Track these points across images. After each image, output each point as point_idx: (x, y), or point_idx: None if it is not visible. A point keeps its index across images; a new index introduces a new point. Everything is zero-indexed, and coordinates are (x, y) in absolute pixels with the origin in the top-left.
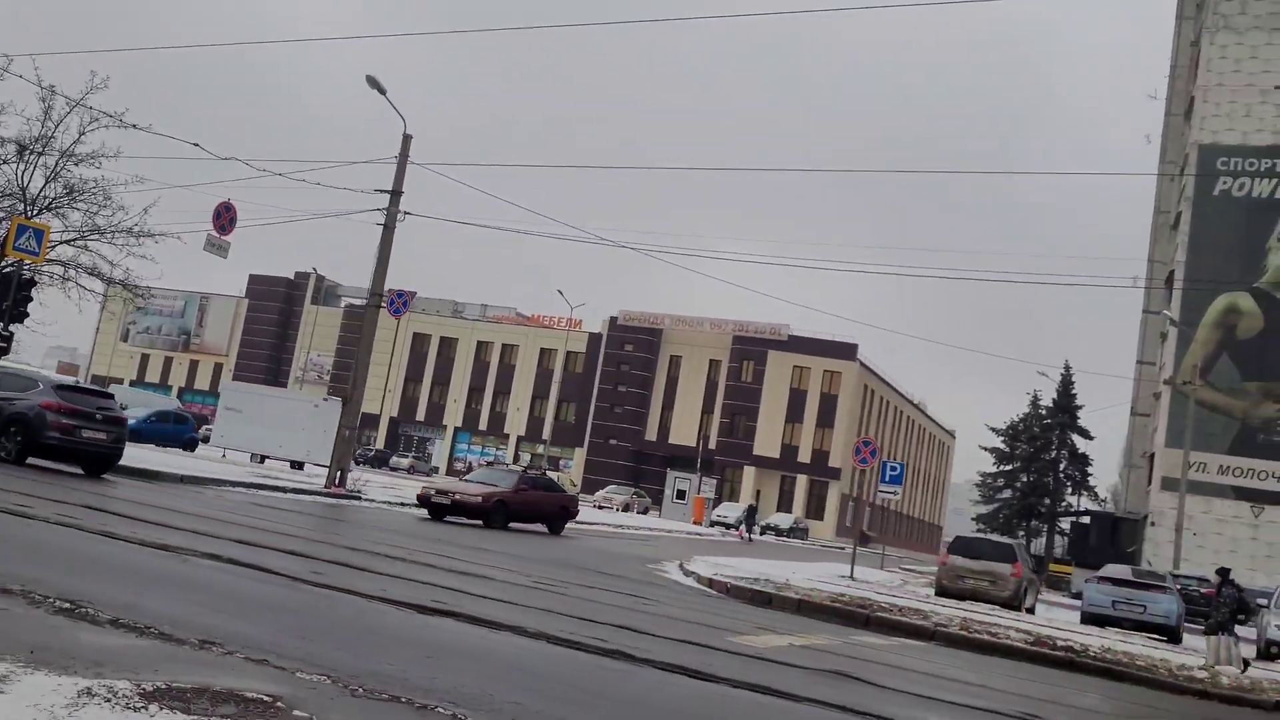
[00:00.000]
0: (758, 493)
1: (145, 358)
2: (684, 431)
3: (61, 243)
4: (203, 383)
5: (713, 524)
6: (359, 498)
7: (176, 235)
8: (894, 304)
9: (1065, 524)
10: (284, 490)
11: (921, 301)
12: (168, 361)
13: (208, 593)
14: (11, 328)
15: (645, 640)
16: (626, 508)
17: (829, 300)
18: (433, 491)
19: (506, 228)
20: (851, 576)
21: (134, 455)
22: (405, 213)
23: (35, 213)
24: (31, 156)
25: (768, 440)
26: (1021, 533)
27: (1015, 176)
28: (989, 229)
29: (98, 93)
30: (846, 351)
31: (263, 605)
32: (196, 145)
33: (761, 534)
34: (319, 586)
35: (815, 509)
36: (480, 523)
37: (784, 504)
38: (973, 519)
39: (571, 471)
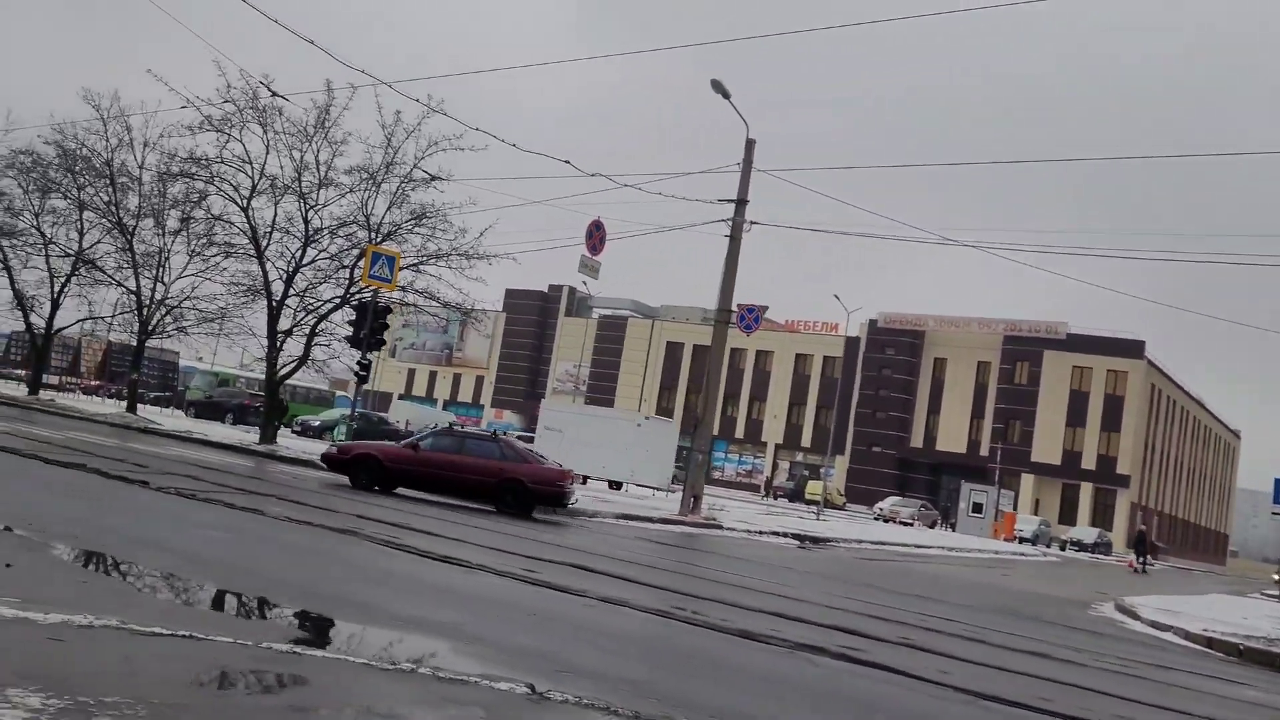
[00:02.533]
0: (1036, 502)
1: (411, 372)
2: (952, 437)
3: (403, 268)
4: (465, 395)
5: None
6: (719, 526)
7: (512, 256)
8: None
9: None
10: (646, 520)
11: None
12: (432, 376)
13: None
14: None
15: None
16: (913, 521)
17: (1106, 297)
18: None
19: (851, 232)
20: None
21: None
22: (752, 222)
23: (379, 239)
24: (372, 185)
25: (1047, 446)
26: None
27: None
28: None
29: (433, 117)
30: (1132, 349)
31: None
32: (567, 162)
33: (1062, 549)
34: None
35: (1102, 519)
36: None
37: (1066, 514)
38: None
39: (834, 479)
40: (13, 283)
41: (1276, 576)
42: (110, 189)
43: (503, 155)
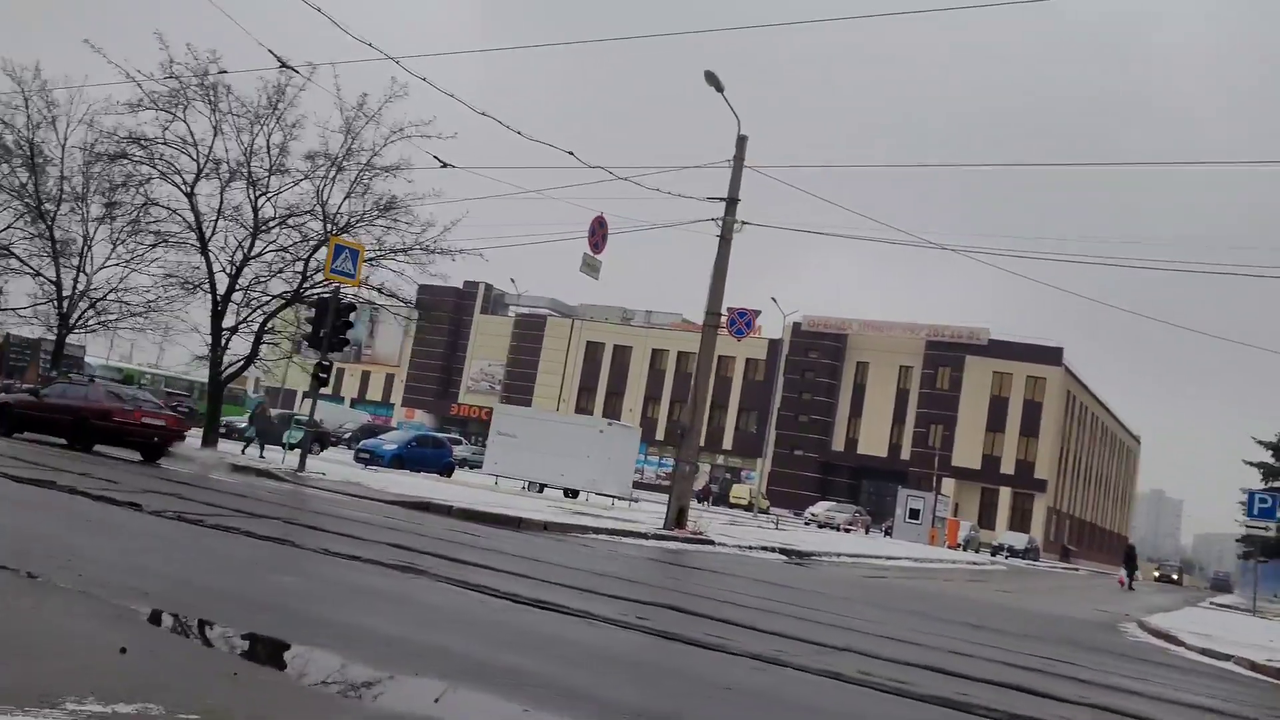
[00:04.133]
0: (956, 505)
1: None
2: (874, 441)
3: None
4: (374, 393)
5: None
6: (710, 541)
7: (479, 253)
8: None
9: None
10: (638, 536)
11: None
12: (340, 373)
13: None
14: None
15: None
16: (852, 528)
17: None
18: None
19: (838, 233)
20: None
21: (427, 488)
22: (743, 222)
23: (335, 231)
24: (330, 170)
25: (967, 451)
26: None
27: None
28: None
29: (396, 101)
30: (1051, 356)
31: None
32: (571, 154)
33: (994, 555)
34: None
35: (1020, 523)
36: None
37: (986, 518)
38: (1238, 540)
39: (755, 483)
40: None
41: (1156, 574)
42: (30, 169)
43: (473, 143)
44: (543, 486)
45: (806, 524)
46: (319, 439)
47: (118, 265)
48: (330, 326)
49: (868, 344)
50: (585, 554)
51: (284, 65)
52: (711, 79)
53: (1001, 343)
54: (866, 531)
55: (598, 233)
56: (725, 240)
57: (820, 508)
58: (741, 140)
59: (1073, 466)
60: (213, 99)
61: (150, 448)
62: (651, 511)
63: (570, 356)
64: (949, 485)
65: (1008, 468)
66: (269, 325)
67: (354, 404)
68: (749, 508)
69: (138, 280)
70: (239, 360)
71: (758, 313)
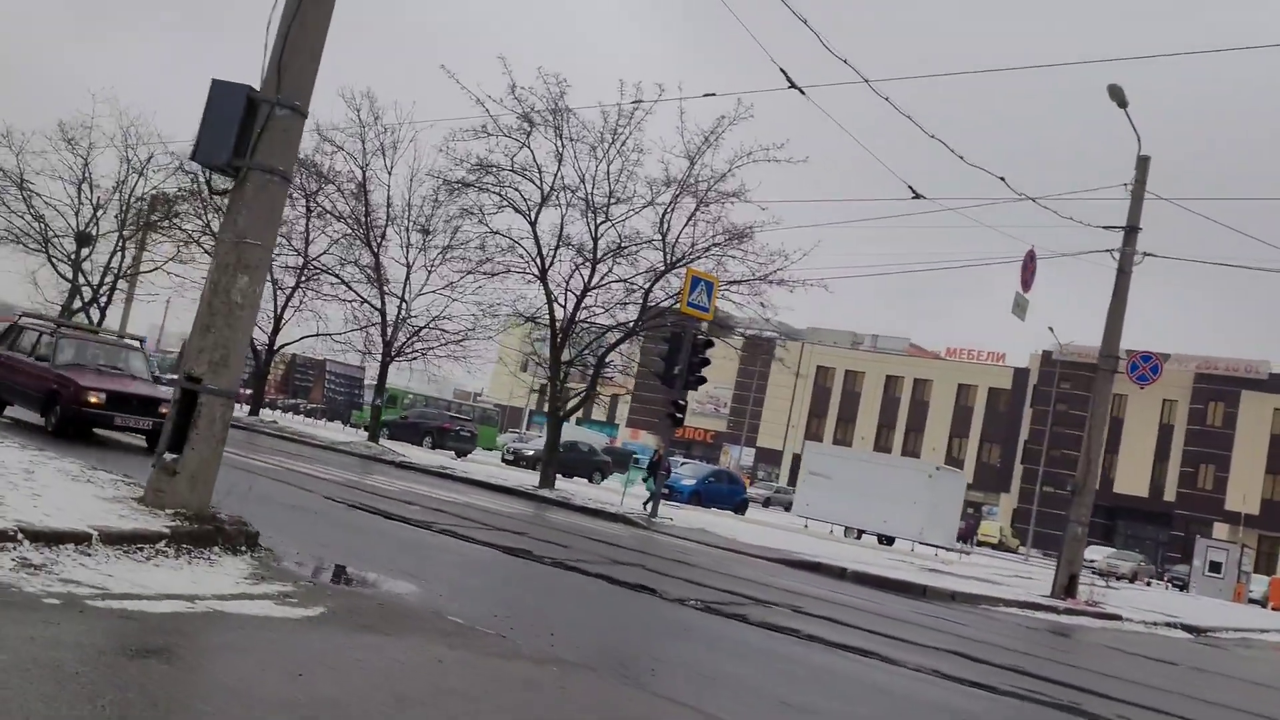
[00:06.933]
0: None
1: (543, 388)
2: (1132, 480)
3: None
4: (599, 413)
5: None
6: (1118, 616)
7: (824, 284)
8: None
9: None
10: (1010, 604)
11: None
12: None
13: None
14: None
15: None
16: (1135, 578)
17: None
18: None
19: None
20: None
21: (724, 525)
22: (1144, 253)
23: (674, 261)
24: (676, 195)
25: (1243, 493)
26: None
27: None
28: None
29: (741, 123)
30: None
31: None
32: (1002, 180)
33: None
34: None
35: None
36: None
37: (1266, 567)
38: None
39: (997, 519)
40: None
41: None
42: (362, 198)
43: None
44: (860, 533)
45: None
46: (602, 468)
47: (434, 294)
48: (686, 364)
49: (1123, 375)
50: (1029, 637)
51: (792, 85)
52: (1115, 94)
53: None
54: (1148, 583)
55: (1029, 268)
56: (1124, 273)
57: (1098, 554)
58: (1143, 161)
59: None
60: (559, 124)
61: None
62: (985, 566)
63: (799, 382)
64: (1221, 530)
65: None
66: (608, 359)
67: (578, 423)
68: (998, 546)
69: (456, 309)
70: (578, 394)
71: (1165, 357)
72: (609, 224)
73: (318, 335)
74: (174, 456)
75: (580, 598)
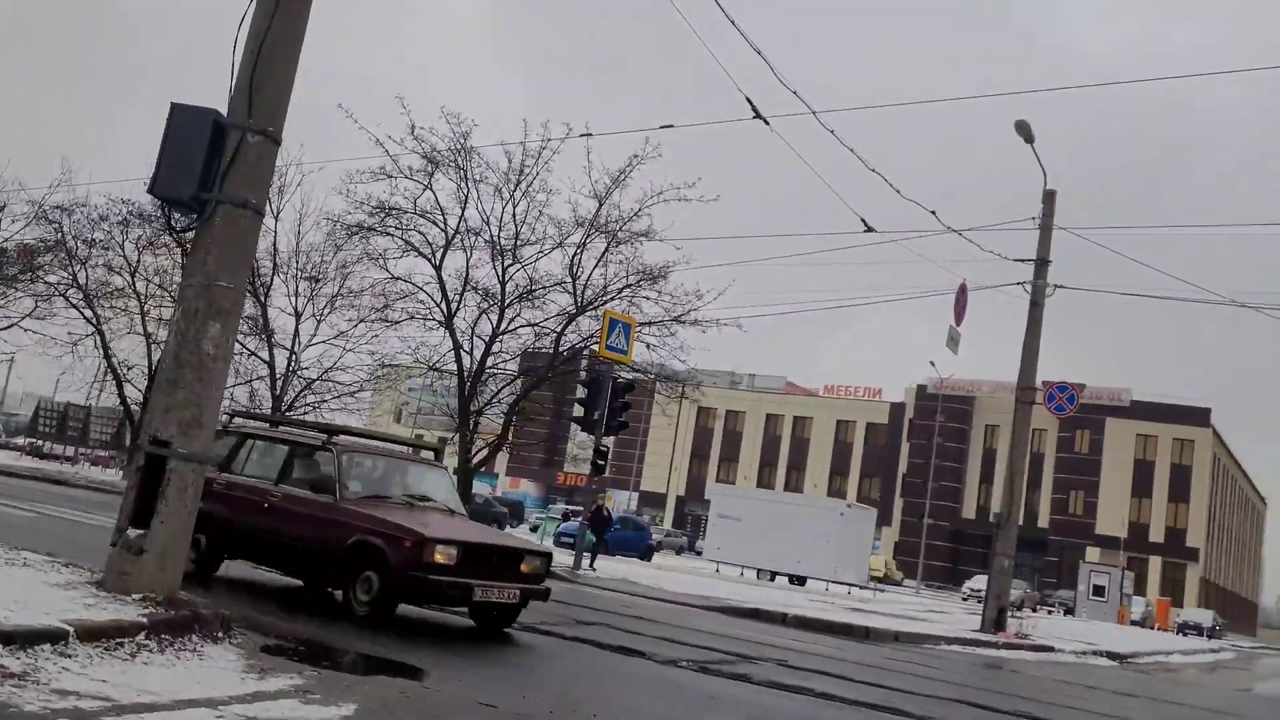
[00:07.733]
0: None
1: (418, 439)
2: None
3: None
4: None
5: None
6: (1049, 648)
7: (737, 324)
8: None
9: None
10: (945, 640)
11: None
12: (441, 442)
13: None
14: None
15: None
16: (1023, 606)
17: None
18: None
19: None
20: None
21: (644, 574)
22: (1055, 285)
23: (585, 304)
24: (586, 236)
25: (1111, 518)
26: None
27: None
28: None
29: (648, 162)
30: (1199, 417)
31: None
32: (933, 213)
33: (1180, 634)
34: None
35: (1173, 594)
36: None
37: (1136, 588)
38: None
39: (879, 552)
40: (106, 352)
41: None
42: None
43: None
44: (774, 574)
45: (965, 599)
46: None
47: (327, 343)
48: (607, 408)
49: (997, 406)
50: (995, 676)
51: (757, 115)
52: (1022, 129)
53: (1145, 404)
54: (1035, 610)
55: (960, 301)
56: (1036, 305)
57: (980, 582)
58: (1049, 196)
59: (1219, 533)
60: (463, 164)
61: None
62: (900, 603)
63: (680, 423)
64: (1093, 553)
65: (1156, 535)
66: (519, 407)
67: (454, 472)
68: (884, 579)
69: (350, 359)
70: (486, 446)
71: (1081, 387)
72: (518, 266)
73: None
74: (139, 532)
75: (573, 669)
